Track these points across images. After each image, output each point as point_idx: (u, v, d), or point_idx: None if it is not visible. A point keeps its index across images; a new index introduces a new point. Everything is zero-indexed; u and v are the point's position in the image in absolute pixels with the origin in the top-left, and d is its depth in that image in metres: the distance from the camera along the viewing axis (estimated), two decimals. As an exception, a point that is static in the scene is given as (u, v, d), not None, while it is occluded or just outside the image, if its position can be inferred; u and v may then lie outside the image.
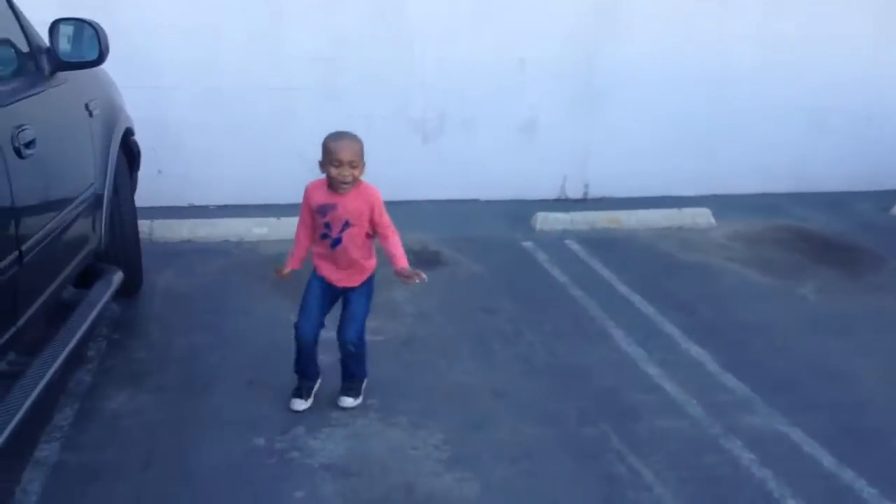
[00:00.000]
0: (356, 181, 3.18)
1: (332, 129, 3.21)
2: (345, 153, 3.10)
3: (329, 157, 3.12)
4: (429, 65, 6.42)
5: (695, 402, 3.64)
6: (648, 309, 4.67)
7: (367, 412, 3.47)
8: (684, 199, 6.79)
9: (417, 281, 3.23)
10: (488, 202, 6.71)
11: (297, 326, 3.37)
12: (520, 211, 6.41)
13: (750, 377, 3.87)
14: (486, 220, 6.25)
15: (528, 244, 5.76)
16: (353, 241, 3.27)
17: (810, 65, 7.01)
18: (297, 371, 3.49)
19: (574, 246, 5.75)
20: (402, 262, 3.27)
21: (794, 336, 4.35)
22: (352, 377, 3.52)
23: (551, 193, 6.89)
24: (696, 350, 4.17)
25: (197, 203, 6.22)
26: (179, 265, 5.08)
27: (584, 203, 6.77)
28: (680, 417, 3.52)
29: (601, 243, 5.80)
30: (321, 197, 3.22)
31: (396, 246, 3.29)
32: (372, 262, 3.39)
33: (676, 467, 3.15)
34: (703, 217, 6.30)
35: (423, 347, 4.11)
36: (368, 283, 3.41)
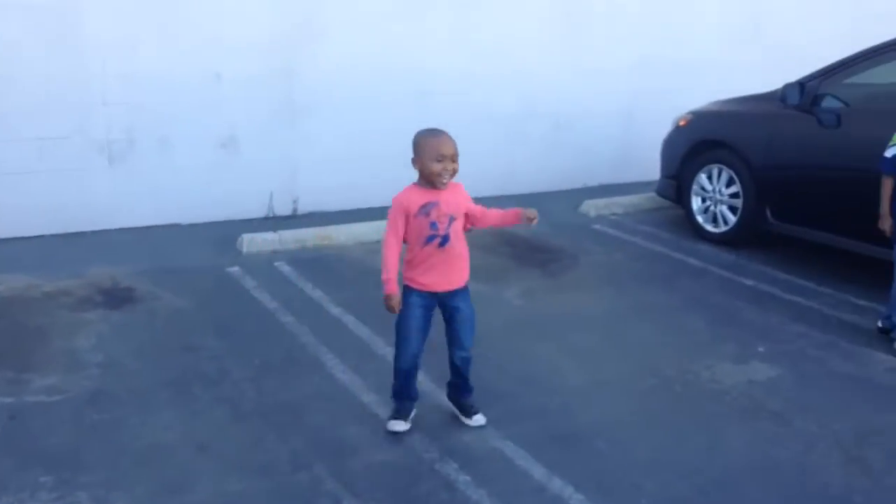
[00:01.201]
0: (454, 175, 3.21)
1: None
2: (447, 147, 3.17)
3: (431, 153, 3.15)
4: (110, 80, 5.82)
5: (411, 427, 3.54)
6: (362, 330, 4.53)
7: (37, 492, 2.96)
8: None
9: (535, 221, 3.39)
10: (191, 226, 6.24)
11: (400, 357, 3.38)
12: (226, 233, 6.02)
13: (463, 392, 3.85)
14: (188, 247, 5.79)
15: (234, 270, 5.40)
16: (458, 236, 3.29)
17: (506, 74, 7.34)
18: (396, 396, 3.48)
19: (284, 268, 5.48)
20: (513, 211, 3.42)
21: (503, 343, 4.43)
22: (471, 390, 3.54)
23: (259, 212, 6.57)
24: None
25: None
26: None
27: (295, 219, 6.53)
28: (396, 446, 3.40)
29: (312, 262, 5.59)
30: (419, 197, 3.22)
31: (493, 210, 3.43)
32: None
33: (393, 502, 3.01)
34: (413, 228, 6.30)
35: (112, 403, 3.63)
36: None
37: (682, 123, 6.65)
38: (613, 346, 4.45)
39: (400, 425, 3.44)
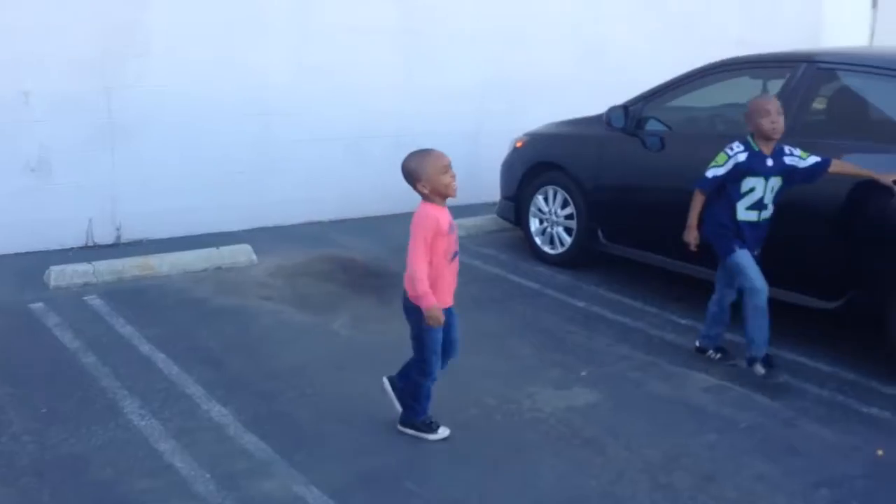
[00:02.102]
0: None
1: None
2: (446, 158, 3.31)
3: (437, 169, 3.27)
4: None
5: (208, 477, 3.28)
6: (172, 369, 4.23)
7: None
8: (229, 235, 6.49)
9: None
10: (-4, 257, 5.74)
11: (432, 373, 3.53)
12: (35, 265, 5.57)
13: (274, 434, 3.63)
14: (-11, 281, 5.31)
15: (37, 306, 4.97)
16: None
17: (346, 93, 7.18)
18: (424, 413, 3.60)
19: (95, 302, 5.09)
20: None
21: (324, 378, 4.23)
22: None
23: (77, 241, 6.12)
24: (218, 411, 3.83)
25: None
26: None
27: (118, 248, 6.11)
28: (187, 499, 3.13)
29: (129, 295, 5.23)
30: (444, 215, 3.34)
31: None
32: None
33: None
34: (243, 254, 6.03)
35: None
36: None
37: (518, 145, 6.68)
38: (440, 377, 4.32)
39: (445, 430, 3.63)
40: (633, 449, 3.60)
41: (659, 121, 5.65)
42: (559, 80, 8.20)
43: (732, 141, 4.31)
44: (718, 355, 4.53)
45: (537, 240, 6.47)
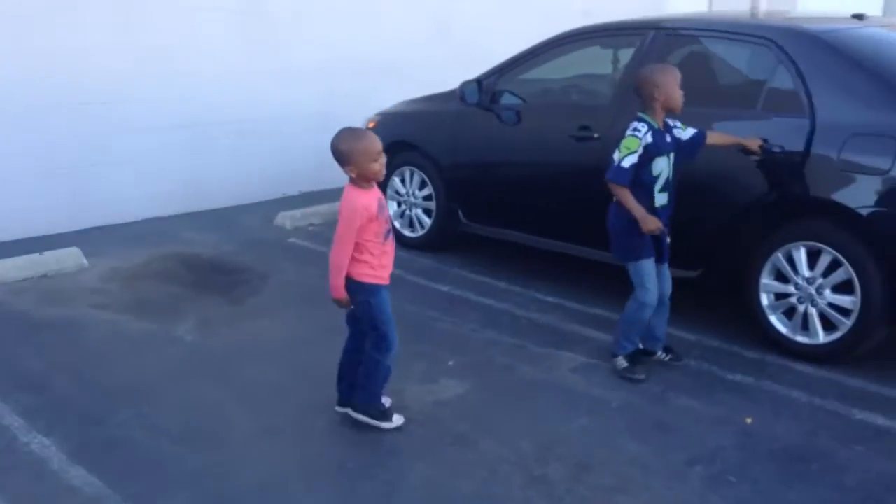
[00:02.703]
0: None
1: None
2: (378, 143, 3.26)
3: (368, 155, 3.21)
4: None
5: (23, 524, 2.83)
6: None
7: None
8: (56, 237, 5.86)
9: None
10: None
11: (392, 349, 3.45)
12: None
13: (105, 465, 3.20)
14: None
15: None
16: None
17: (184, 78, 6.64)
18: (379, 394, 3.51)
19: None
20: None
21: (165, 392, 3.81)
22: None
23: None
24: (39, 442, 3.36)
25: None
26: None
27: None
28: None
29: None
30: (371, 198, 3.27)
31: None
32: None
33: None
34: (71, 258, 5.44)
35: None
36: None
37: (370, 125, 6.34)
38: (295, 381, 3.99)
39: (399, 419, 3.52)
40: (506, 442, 3.40)
41: (513, 94, 5.48)
42: (409, 58, 7.93)
43: (631, 122, 3.83)
44: (668, 356, 4.10)
45: (396, 223, 6.18)
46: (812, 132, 3.95)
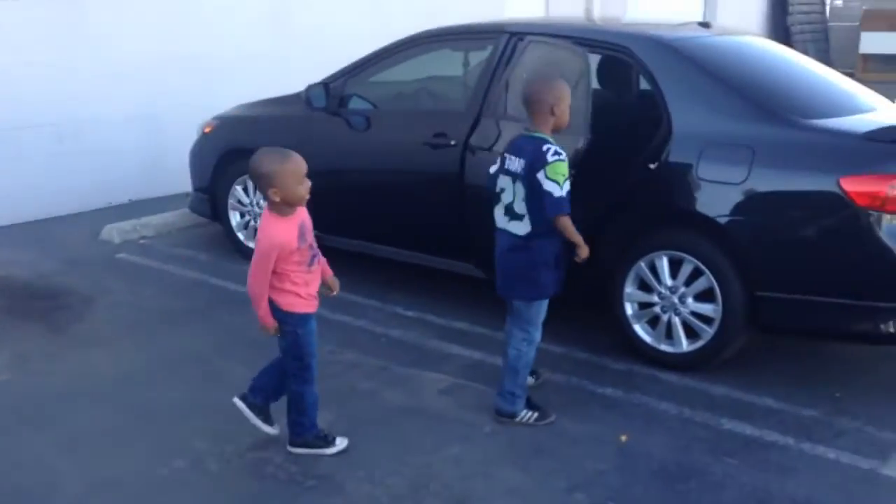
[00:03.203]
0: None
1: None
2: (303, 166, 3.04)
3: (293, 178, 3.00)
4: None
5: None
6: None
7: None
8: None
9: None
10: None
11: (312, 385, 3.24)
12: None
13: None
14: None
15: None
16: None
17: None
18: (314, 422, 3.30)
19: None
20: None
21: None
22: None
23: None
24: None
25: None
26: None
27: None
28: None
29: None
30: (290, 226, 3.04)
31: None
32: None
33: None
34: None
35: None
36: None
37: (207, 130, 5.88)
38: (131, 423, 3.54)
39: (343, 441, 3.33)
40: (376, 480, 3.14)
41: (363, 98, 5.21)
42: (246, 54, 7.47)
43: (543, 144, 3.33)
44: (535, 379, 3.81)
45: (240, 235, 5.76)
46: (670, 142, 3.94)
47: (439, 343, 4.39)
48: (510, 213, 3.42)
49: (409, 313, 4.81)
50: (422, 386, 3.92)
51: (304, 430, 3.27)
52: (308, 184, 3.06)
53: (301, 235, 3.08)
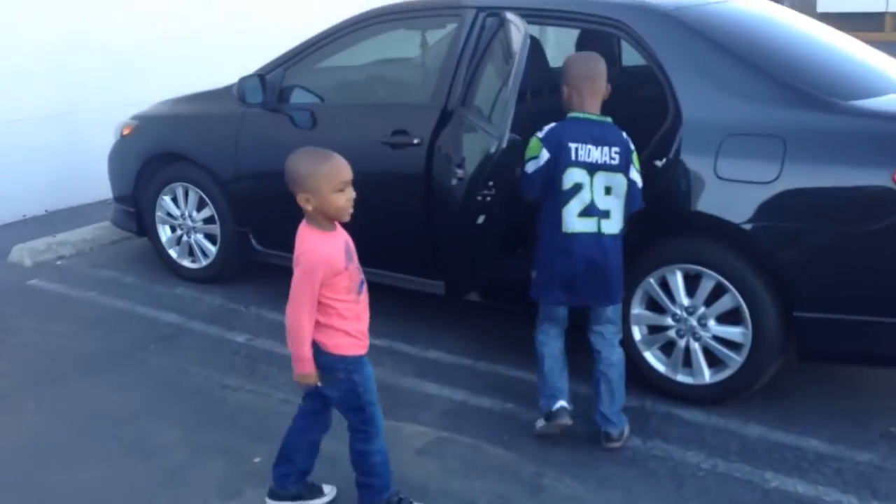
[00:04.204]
0: None
1: None
2: (346, 171, 2.53)
3: (331, 183, 2.49)
4: None
5: None
6: None
7: None
8: None
9: None
10: None
11: (379, 423, 2.64)
12: None
13: None
14: None
15: None
16: None
17: None
18: (388, 483, 2.70)
19: None
20: None
21: None
22: None
23: None
24: None
25: None
26: None
27: None
28: None
29: None
30: (334, 243, 2.55)
31: None
32: None
33: None
34: None
35: None
36: None
37: (126, 132, 5.06)
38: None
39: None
40: None
41: (306, 90, 4.45)
42: (171, 39, 6.62)
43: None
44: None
45: (172, 252, 4.98)
46: (679, 133, 3.28)
47: (414, 381, 3.71)
48: (592, 211, 3.04)
49: (376, 342, 4.06)
50: (399, 443, 3.20)
51: (377, 494, 2.71)
52: (350, 194, 2.54)
53: (348, 254, 2.59)
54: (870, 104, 3.14)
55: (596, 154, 3.03)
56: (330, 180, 2.50)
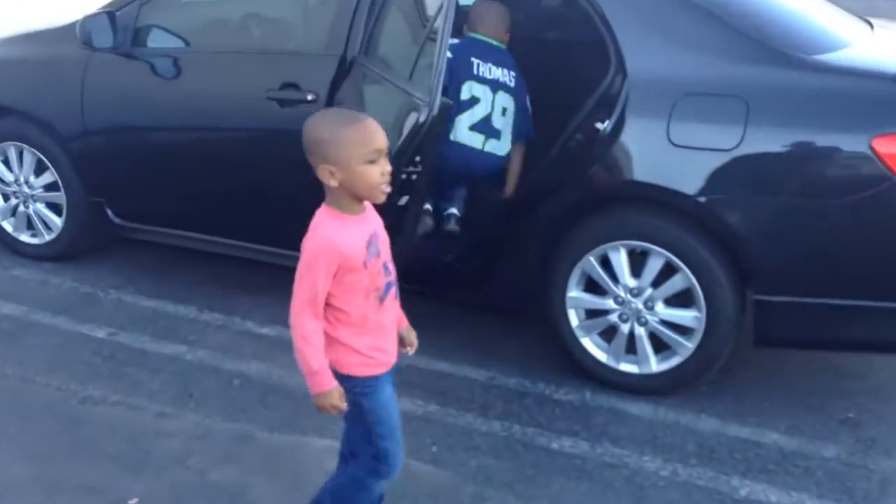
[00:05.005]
0: None
1: None
2: (380, 137, 1.92)
3: (358, 152, 1.89)
4: None
5: None
6: None
7: None
8: None
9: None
10: None
11: (393, 462, 2.08)
12: None
13: None
14: None
15: None
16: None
17: None
18: None
19: None
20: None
21: None
22: None
23: None
24: None
25: None
26: None
27: None
28: None
29: None
30: (356, 231, 1.96)
31: None
32: None
33: None
34: None
35: None
36: None
37: (-63, 82, 4.14)
38: None
39: None
40: None
41: (168, 31, 3.71)
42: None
43: None
44: None
45: (6, 225, 4.18)
46: (623, 92, 2.84)
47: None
48: (484, 128, 3.26)
49: (265, 330, 3.53)
50: (305, 463, 2.71)
51: None
52: (386, 167, 1.93)
53: (371, 241, 1.98)
54: (839, 58, 2.80)
55: (497, 73, 3.25)
56: (359, 148, 1.91)
